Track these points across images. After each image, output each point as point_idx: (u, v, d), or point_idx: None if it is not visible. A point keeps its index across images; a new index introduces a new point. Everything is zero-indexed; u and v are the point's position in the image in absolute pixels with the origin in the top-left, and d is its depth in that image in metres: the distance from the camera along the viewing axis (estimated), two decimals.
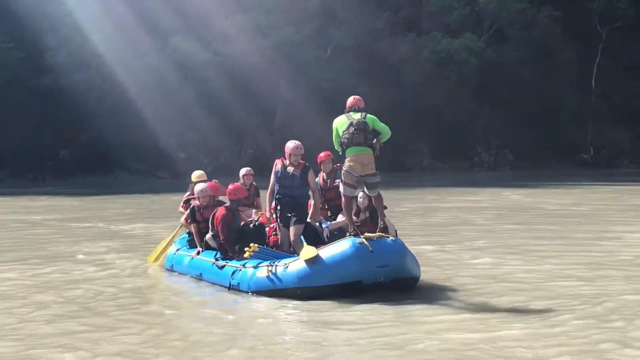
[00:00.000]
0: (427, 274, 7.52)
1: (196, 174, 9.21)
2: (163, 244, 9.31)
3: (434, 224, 13.52)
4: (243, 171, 9.00)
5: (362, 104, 7.08)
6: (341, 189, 7.03)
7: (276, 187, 7.42)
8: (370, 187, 7.04)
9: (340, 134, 6.89)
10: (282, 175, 7.40)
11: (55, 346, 5.22)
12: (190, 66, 32.47)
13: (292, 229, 7.32)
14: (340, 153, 7.02)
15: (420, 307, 6.30)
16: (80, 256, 9.87)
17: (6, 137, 29.83)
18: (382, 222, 7.02)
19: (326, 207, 7.98)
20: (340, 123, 6.96)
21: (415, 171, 36.21)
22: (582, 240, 10.68)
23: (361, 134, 6.80)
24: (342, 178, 7.01)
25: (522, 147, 38.13)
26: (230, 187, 7.83)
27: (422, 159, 37.86)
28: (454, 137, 36.85)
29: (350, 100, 7.16)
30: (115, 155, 31.91)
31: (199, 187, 8.33)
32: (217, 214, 7.69)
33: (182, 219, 8.75)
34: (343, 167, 6.97)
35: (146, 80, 31.48)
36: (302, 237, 7.29)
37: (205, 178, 9.06)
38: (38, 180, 31.29)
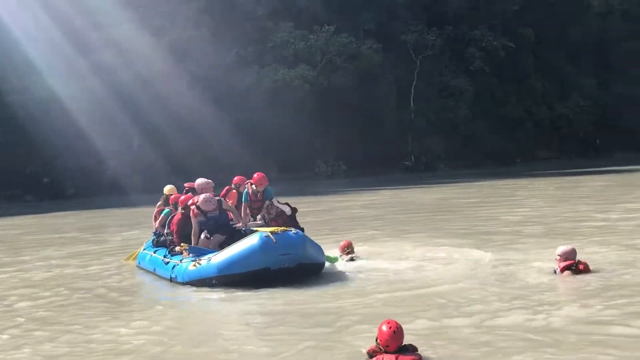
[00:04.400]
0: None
1: (168, 188, 10.39)
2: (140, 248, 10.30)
3: (336, 219, 15.98)
4: (203, 182, 9.49)
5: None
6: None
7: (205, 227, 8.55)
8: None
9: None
10: (207, 219, 8.45)
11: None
12: (54, 99, 33.74)
13: (214, 238, 8.55)
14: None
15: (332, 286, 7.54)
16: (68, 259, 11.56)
17: None
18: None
19: (249, 213, 9.23)
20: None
21: None
22: (456, 222, 13.70)
23: None
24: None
25: (354, 158, 41.68)
26: (182, 197, 9.04)
27: (270, 173, 40.60)
28: (296, 153, 39.21)
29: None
30: None
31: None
32: (174, 218, 8.78)
33: (156, 223, 9.82)
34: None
35: (15, 115, 32.95)
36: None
37: (176, 191, 10.25)
38: None
